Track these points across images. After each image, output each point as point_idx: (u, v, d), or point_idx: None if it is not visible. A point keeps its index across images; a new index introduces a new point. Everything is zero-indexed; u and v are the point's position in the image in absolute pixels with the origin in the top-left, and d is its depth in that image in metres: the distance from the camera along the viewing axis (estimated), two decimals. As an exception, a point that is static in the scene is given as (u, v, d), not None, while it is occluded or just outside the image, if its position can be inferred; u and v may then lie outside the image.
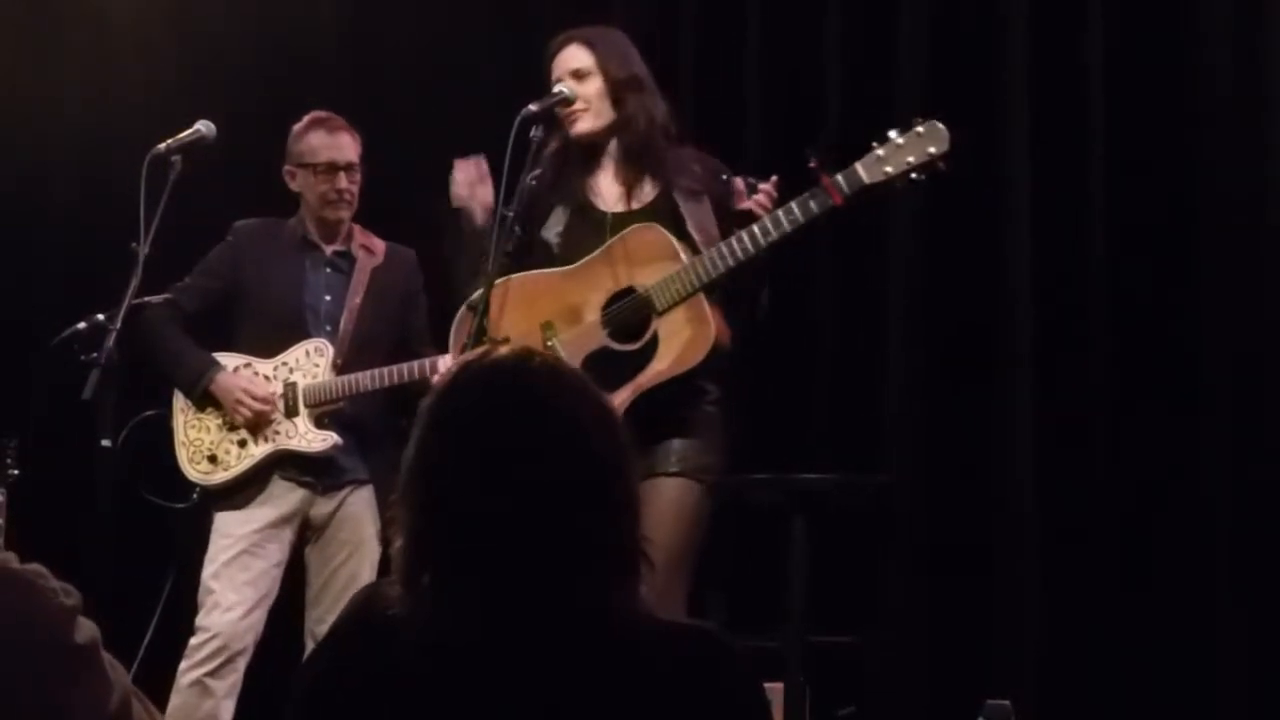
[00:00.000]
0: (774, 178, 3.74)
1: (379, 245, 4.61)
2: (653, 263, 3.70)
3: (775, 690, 4.05)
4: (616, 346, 3.71)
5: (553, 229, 3.88)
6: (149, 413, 4.58)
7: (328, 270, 4.56)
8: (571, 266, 3.82)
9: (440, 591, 1.74)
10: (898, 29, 4.99)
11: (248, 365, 4.48)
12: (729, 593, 4.88)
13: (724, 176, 3.81)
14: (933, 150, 3.60)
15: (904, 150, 3.59)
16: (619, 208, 3.83)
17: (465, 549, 1.74)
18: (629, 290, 3.72)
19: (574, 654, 1.73)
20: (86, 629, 1.72)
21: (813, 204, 3.59)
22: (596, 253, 3.79)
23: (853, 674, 4.59)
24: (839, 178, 3.59)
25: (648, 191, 3.82)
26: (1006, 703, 3.93)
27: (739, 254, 3.61)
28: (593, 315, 3.76)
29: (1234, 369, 4.60)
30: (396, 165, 5.29)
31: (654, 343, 3.68)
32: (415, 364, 4.32)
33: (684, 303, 3.65)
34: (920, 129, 3.61)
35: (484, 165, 3.94)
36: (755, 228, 3.61)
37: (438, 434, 1.79)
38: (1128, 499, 4.64)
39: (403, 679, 1.74)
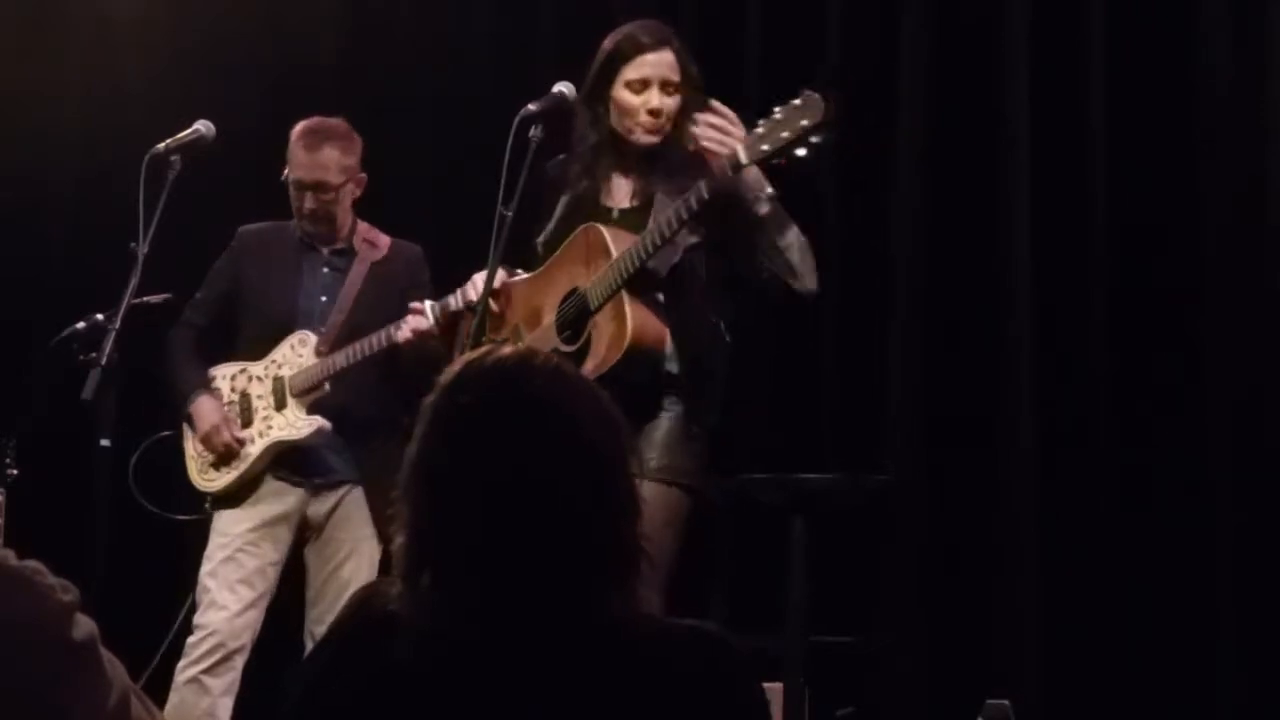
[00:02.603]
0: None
1: (383, 240, 4.59)
2: (591, 261, 3.69)
3: (775, 690, 4.05)
4: (564, 348, 3.68)
5: (545, 231, 3.88)
6: (164, 434, 4.61)
7: (325, 271, 4.55)
8: (539, 270, 3.83)
9: (441, 590, 1.74)
10: (899, 29, 4.99)
11: (242, 371, 4.50)
12: (729, 593, 4.88)
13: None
14: (805, 122, 3.42)
15: (780, 125, 3.45)
16: (624, 204, 3.83)
17: (466, 547, 1.74)
18: (574, 290, 3.72)
19: (573, 653, 1.73)
20: (84, 625, 1.71)
21: (703, 190, 3.52)
22: (556, 254, 3.79)
23: (853, 674, 4.59)
24: (722, 160, 3.52)
25: (648, 190, 3.80)
26: (1006, 703, 3.93)
27: (649, 247, 3.58)
28: (549, 317, 3.77)
29: (1234, 368, 4.60)
30: (396, 165, 5.29)
31: (588, 342, 3.66)
32: (380, 334, 4.26)
33: (611, 300, 3.61)
34: (797, 101, 3.46)
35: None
36: (660, 220, 3.58)
37: (440, 432, 1.79)
38: (1128, 499, 4.63)
39: (402, 677, 1.74)
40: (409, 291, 4.47)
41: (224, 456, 4.43)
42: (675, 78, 3.77)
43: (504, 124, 3.77)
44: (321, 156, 4.45)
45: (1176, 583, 4.54)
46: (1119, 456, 4.65)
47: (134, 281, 4.06)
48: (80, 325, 4.21)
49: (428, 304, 4.14)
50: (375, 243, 4.57)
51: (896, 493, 4.66)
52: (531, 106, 3.78)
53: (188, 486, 4.51)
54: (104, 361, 3.87)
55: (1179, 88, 4.71)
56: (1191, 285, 4.66)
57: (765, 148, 3.46)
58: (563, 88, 3.84)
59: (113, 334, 3.93)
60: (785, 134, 3.44)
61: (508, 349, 1.85)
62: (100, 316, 4.12)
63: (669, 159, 3.77)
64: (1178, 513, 4.58)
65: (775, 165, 3.52)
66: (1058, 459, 4.70)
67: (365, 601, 1.84)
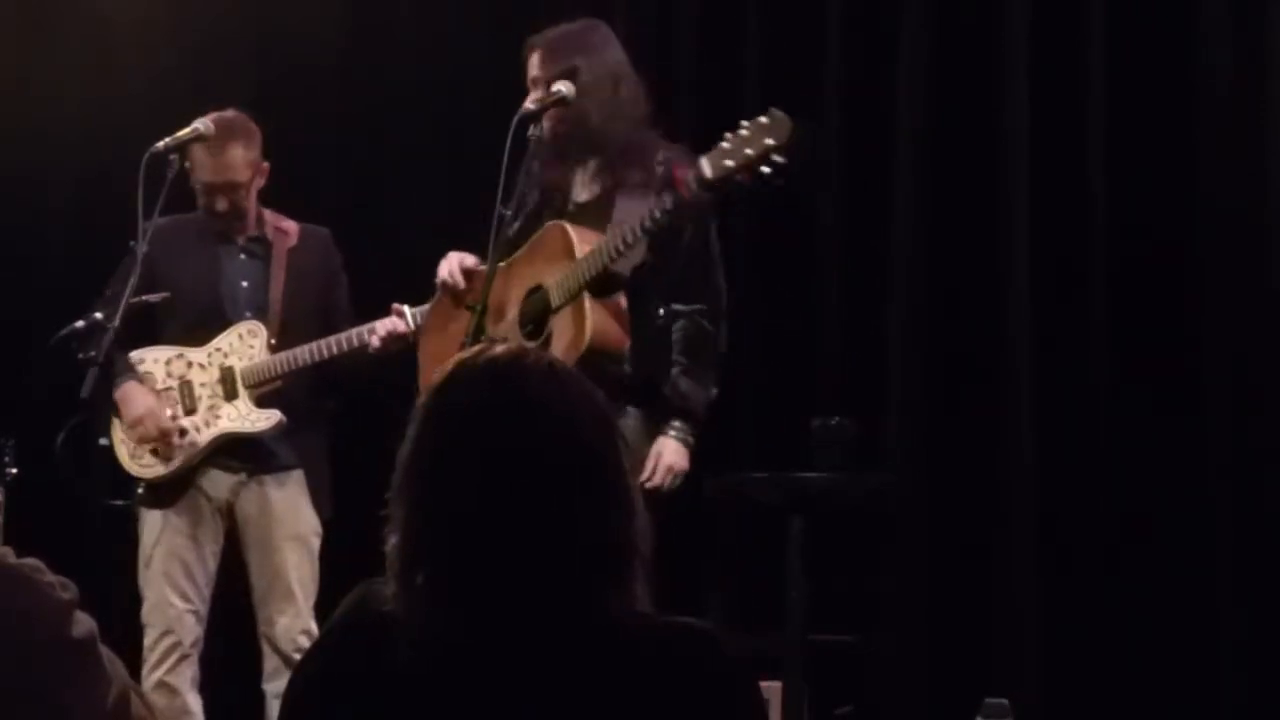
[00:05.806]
0: None
1: (292, 227, 4.52)
2: (555, 259, 3.72)
3: (775, 690, 4.05)
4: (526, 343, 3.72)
5: (515, 226, 3.90)
6: (84, 417, 4.51)
7: (242, 257, 4.47)
8: (506, 262, 3.84)
9: (436, 590, 1.74)
10: (899, 29, 4.99)
11: (180, 355, 4.40)
12: (729, 593, 4.88)
13: (660, 161, 3.73)
14: (770, 141, 3.42)
15: (745, 142, 3.46)
16: (580, 198, 3.85)
17: (461, 547, 1.74)
18: (539, 287, 3.75)
19: (569, 652, 1.73)
20: (84, 623, 1.71)
21: (667, 203, 3.57)
22: (522, 249, 3.83)
23: (852, 674, 4.59)
24: (689, 174, 3.54)
25: (600, 185, 3.82)
26: (1005, 702, 3.92)
27: (612, 253, 3.61)
28: (513, 312, 3.80)
29: (1234, 368, 4.60)
30: (396, 165, 5.29)
31: (548, 342, 3.69)
32: (353, 332, 4.27)
33: (573, 301, 3.64)
34: (764, 119, 3.46)
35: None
36: (624, 227, 3.61)
37: (433, 432, 1.79)
38: (1128, 499, 4.63)
39: (399, 678, 1.74)
40: (327, 276, 4.49)
41: (157, 444, 4.32)
42: (531, 73, 3.88)
43: (504, 124, 3.77)
44: (227, 158, 4.36)
45: (1176, 583, 4.54)
46: (1119, 457, 4.65)
47: (133, 280, 4.05)
48: (80, 325, 4.20)
49: (408, 309, 4.15)
50: (286, 230, 4.50)
51: (896, 492, 4.66)
52: (530, 106, 3.80)
53: (114, 471, 4.37)
54: (103, 360, 3.87)
55: (1179, 88, 4.71)
56: (1191, 285, 4.66)
57: (729, 163, 3.47)
58: (562, 87, 3.84)
59: (111, 333, 3.93)
60: (749, 150, 3.46)
61: (500, 348, 1.84)
62: (99, 315, 4.11)
63: (599, 148, 3.79)
64: (1178, 513, 4.58)
65: (739, 182, 3.52)
66: (1058, 459, 4.70)
67: (360, 603, 1.83)
